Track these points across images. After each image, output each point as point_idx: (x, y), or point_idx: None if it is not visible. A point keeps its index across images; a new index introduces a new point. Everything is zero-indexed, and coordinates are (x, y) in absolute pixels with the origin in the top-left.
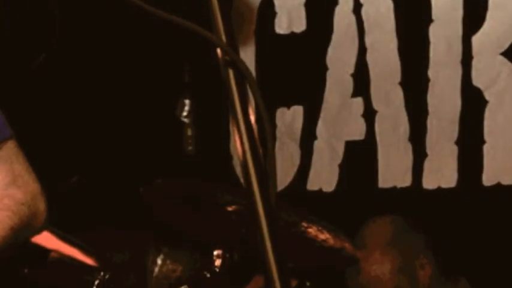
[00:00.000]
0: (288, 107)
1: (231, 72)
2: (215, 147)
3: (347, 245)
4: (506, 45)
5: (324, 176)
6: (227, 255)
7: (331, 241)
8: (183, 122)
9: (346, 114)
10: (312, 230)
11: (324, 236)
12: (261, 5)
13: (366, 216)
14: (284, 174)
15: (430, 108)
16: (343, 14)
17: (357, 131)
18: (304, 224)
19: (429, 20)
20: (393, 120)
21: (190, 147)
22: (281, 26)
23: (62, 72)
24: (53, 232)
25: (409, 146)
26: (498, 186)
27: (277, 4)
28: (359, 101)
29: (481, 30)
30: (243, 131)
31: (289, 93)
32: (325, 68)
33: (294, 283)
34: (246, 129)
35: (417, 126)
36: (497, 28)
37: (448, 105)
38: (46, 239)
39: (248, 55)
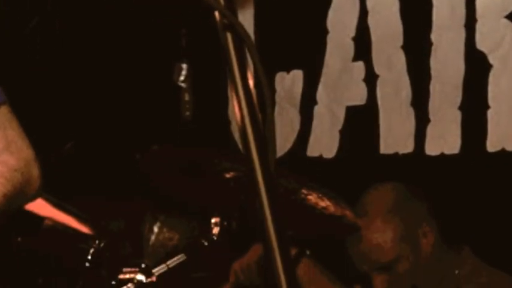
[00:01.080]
0: (288, 72)
1: (229, 36)
2: (213, 112)
3: (348, 213)
4: (511, 8)
5: (324, 142)
6: (225, 223)
7: (332, 208)
8: (180, 87)
9: (347, 78)
10: (312, 197)
11: (324, 203)
12: None
13: (367, 183)
14: (283, 140)
15: (432, 73)
16: None
17: (358, 95)
18: (304, 191)
19: None
20: (395, 84)
21: (187, 113)
22: None
23: (57, 37)
24: (47, 199)
25: (412, 111)
26: (502, 152)
27: None
28: (360, 65)
29: None
30: (241, 96)
31: (288, 57)
32: (325, 32)
33: (293, 251)
34: (245, 94)
35: (420, 91)
36: None
37: (451, 69)
38: (40, 207)
39: (247, 18)
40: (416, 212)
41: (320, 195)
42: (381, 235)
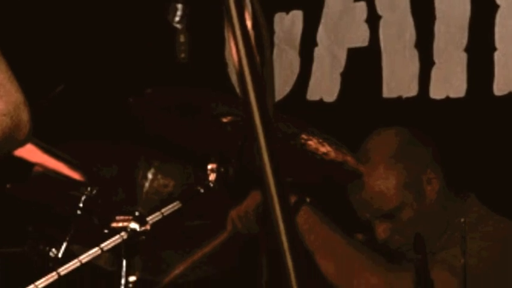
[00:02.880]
0: (287, 12)
1: None
2: (209, 54)
3: (349, 159)
4: None
5: (325, 85)
6: (222, 170)
7: (333, 154)
8: (176, 28)
9: (348, 19)
10: (312, 143)
11: (324, 148)
12: None
13: (370, 128)
14: (282, 83)
15: (437, 13)
16: None
17: (360, 37)
18: (304, 136)
19: None
20: (398, 25)
21: (183, 55)
22: None
23: None
24: (37, 145)
25: (416, 53)
26: (510, 95)
27: None
28: (362, 5)
29: None
30: (238, 37)
31: None
32: None
33: (293, 199)
34: (242, 35)
35: (424, 32)
36: None
37: (456, 9)
38: (30, 152)
39: None
40: (421, 157)
41: (320, 140)
42: (383, 182)
